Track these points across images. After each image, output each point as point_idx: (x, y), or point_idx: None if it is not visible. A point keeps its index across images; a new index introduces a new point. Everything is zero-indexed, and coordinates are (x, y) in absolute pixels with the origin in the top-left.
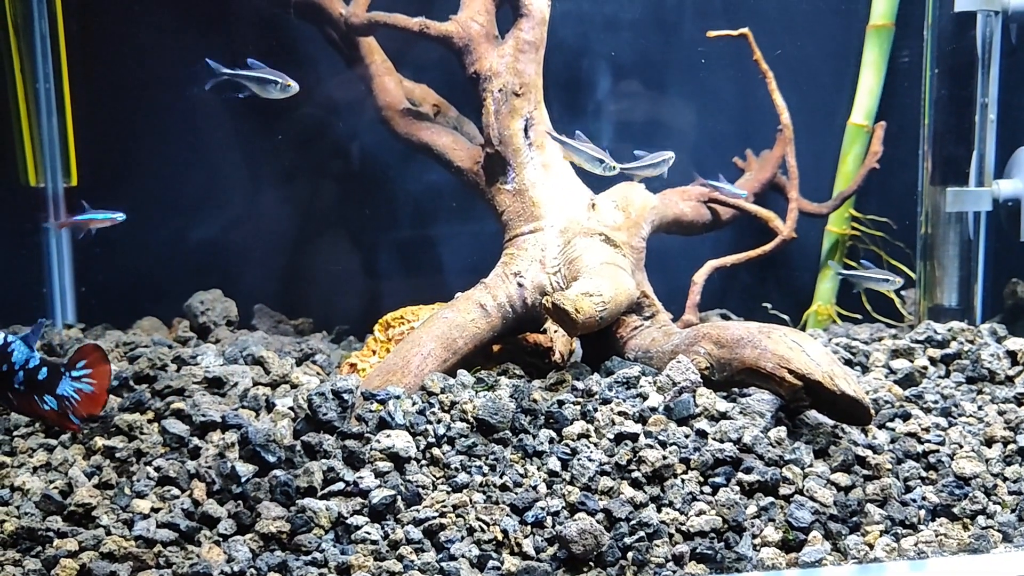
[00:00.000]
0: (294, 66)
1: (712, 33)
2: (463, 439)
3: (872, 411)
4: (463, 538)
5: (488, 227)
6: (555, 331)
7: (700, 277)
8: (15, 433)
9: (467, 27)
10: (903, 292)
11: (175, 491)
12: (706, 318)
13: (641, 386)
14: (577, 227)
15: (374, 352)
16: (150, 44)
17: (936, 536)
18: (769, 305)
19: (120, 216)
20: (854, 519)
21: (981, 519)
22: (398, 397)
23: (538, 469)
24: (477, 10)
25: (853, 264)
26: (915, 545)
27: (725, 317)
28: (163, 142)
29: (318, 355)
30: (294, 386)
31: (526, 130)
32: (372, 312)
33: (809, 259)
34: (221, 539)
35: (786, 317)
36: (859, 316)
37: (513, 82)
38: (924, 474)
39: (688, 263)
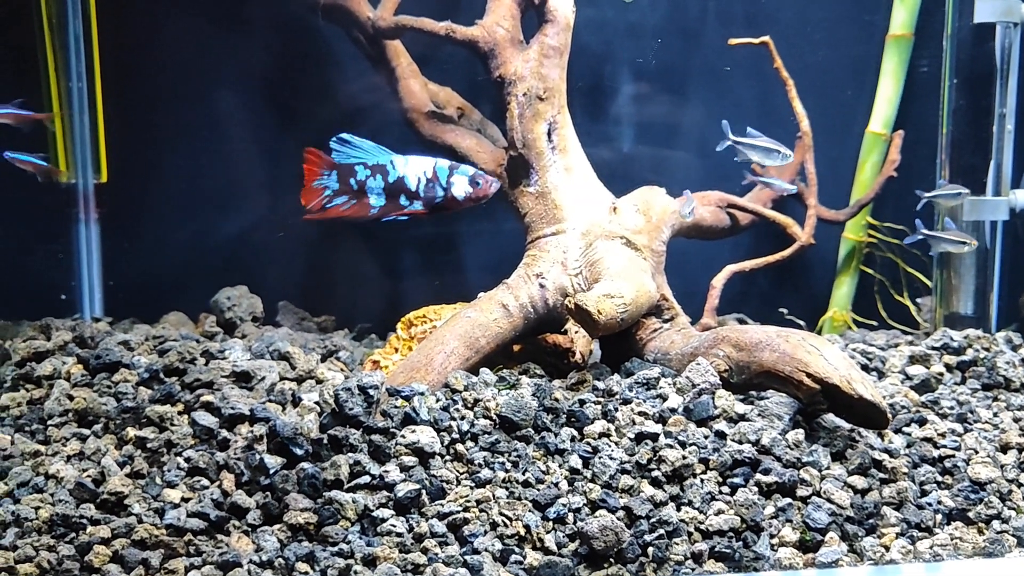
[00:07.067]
0: (322, 67)
1: (733, 41)
2: (486, 436)
3: (889, 415)
4: (486, 532)
5: (510, 228)
6: (575, 332)
7: (719, 281)
8: (49, 423)
9: (492, 32)
10: (919, 300)
11: (205, 481)
12: (723, 322)
13: (661, 387)
14: (598, 230)
15: (396, 350)
16: (180, 44)
17: (951, 540)
18: (785, 310)
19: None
20: (870, 521)
21: (996, 524)
22: (422, 394)
23: (560, 466)
24: (503, 15)
25: (869, 271)
26: (930, 548)
27: (742, 321)
28: (191, 140)
29: (341, 352)
30: (319, 381)
31: (549, 134)
32: (393, 311)
33: (826, 265)
34: (250, 529)
35: (802, 322)
36: (875, 323)
37: (537, 86)
38: (940, 479)
39: (707, 267)
